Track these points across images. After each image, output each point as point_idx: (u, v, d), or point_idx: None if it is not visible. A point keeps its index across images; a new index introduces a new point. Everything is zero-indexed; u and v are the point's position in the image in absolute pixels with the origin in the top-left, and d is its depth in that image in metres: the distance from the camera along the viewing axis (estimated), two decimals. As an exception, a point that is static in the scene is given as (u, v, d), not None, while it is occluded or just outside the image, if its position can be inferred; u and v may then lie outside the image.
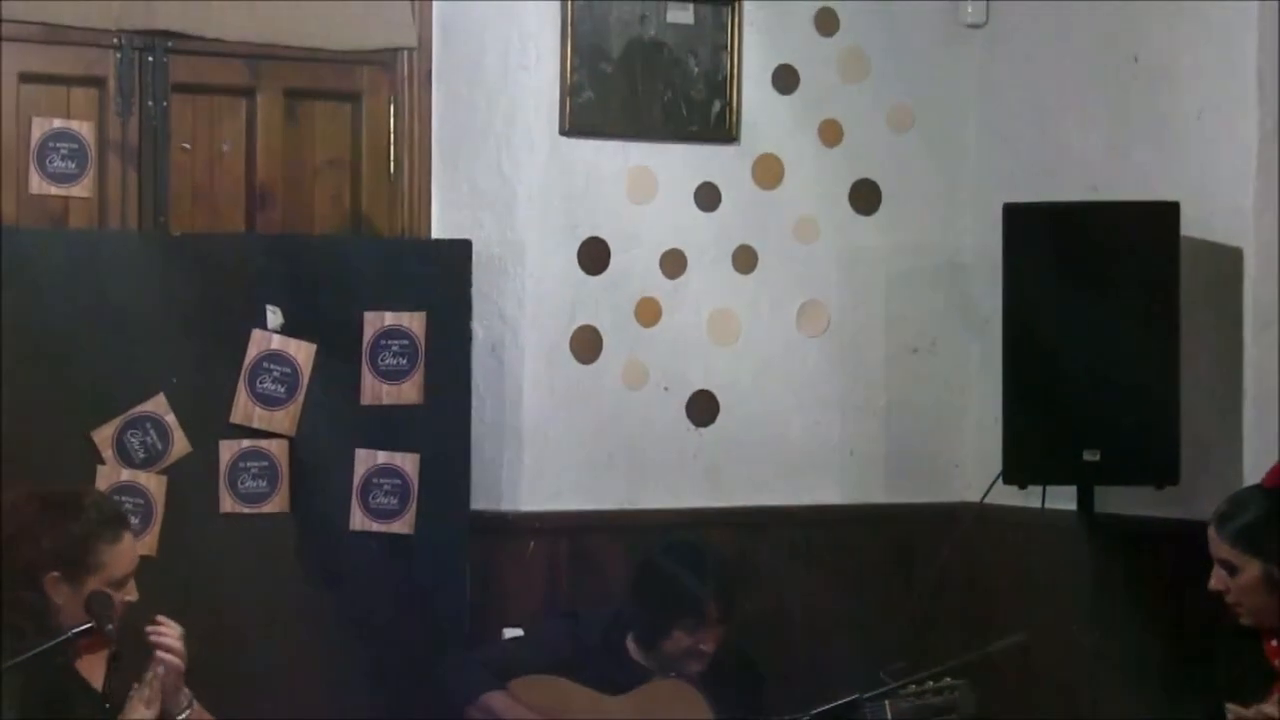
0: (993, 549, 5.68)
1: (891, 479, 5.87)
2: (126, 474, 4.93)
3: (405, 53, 5.56)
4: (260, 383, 5.07)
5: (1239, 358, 5.13)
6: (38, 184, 5.16)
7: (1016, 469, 5.13)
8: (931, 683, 4.48)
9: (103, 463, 4.90)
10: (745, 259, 5.72)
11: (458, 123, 5.56)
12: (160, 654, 4.16)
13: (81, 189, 5.20)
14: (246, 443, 5.06)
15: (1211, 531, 4.27)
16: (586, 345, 5.54)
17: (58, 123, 5.19)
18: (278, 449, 5.09)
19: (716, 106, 5.68)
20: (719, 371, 5.69)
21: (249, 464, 5.06)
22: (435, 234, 5.55)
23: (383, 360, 5.21)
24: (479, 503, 5.34)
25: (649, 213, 5.61)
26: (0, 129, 5.10)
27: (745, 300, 5.72)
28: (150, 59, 5.27)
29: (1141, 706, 4.96)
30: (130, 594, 4.22)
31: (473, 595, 5.30)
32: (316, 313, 5.14)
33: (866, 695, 4.36)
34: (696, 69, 5.65)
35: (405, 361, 5.22)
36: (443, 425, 5.25)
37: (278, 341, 5.10)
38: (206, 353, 5.02)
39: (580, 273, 5.54)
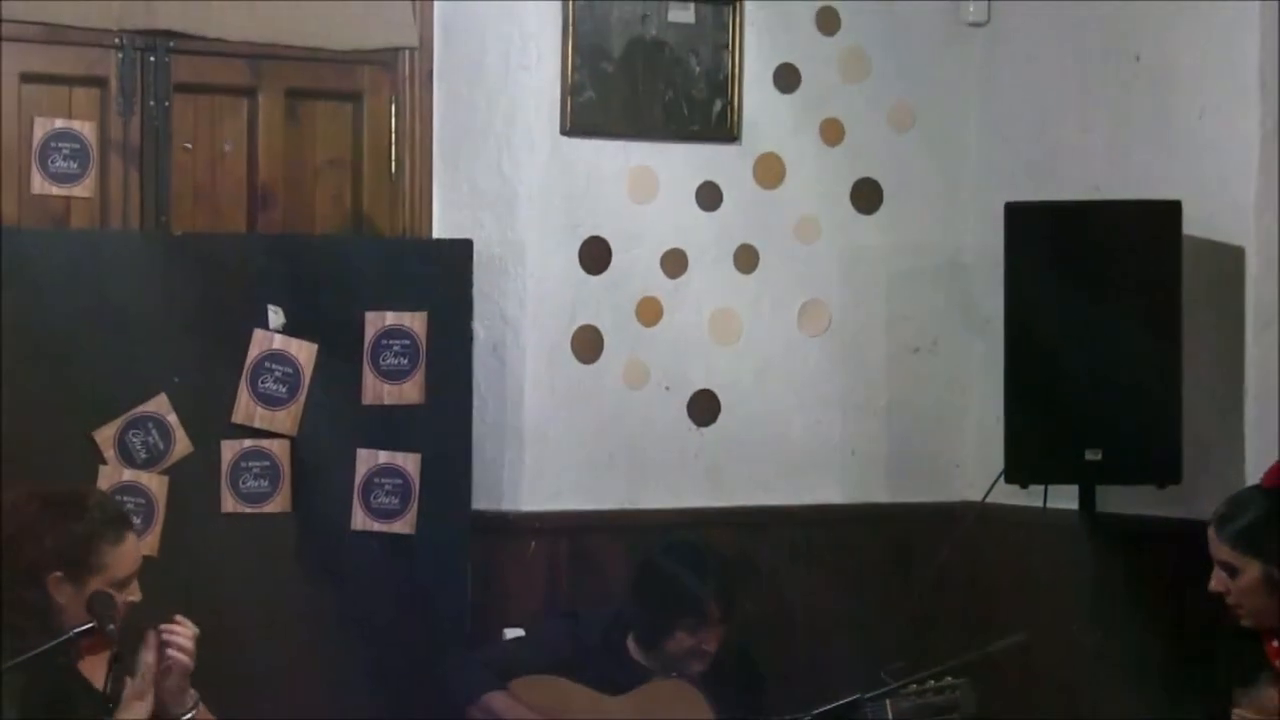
0: (994, 548, 5.68)
1: (892, 478, 5.87)
2: (128, 474, 4.93)
3: (406, 52, 5.56)
4: (262, 382, 5.07)
5: (1240, 357, 5.13)
6: (39, 184, 5.16)
7: (1018, 468, 5.13)
8: (932, 682, 4.48)
9: (104, 463, 4.91)
10: (746, 258, 5.72)
11: (459, 122, 5.56)
12: (170, 652, 4.17)
13: (83, 189, 5.21)
14: (248, 442, 5.07)
15: (1211, 533, 4.27)
16: (587, 345, 5.54)
17: (59, 123, 5.19)
18: (279, 449, 5.10)
19: (718, 106, 5.68)
20: (720, 371, 5.70)
21: (250, 464, 5.06)
22: (436, 234, 5.55)
23: (384, 360, 5.21)
24: (480, 503, 5.34)
25: (650, 212, 5.61)
26: (1, 129, 5.10)
27: (746, 300, 5.72)
28: (152, 59, 5.27)
29: (1142, 706, 4.96)
30: (133, 594, 4.22)
31: (473, 595, 5.31)
32: (318, 313, 5.14)
33: (867, 695, 4.35)
34: (698, 68, 5.65)
35: (406, 361, 5.22)
36: (444, 425, 5.26)
37: (279, 341, 5.10)
38: (208, 353, 5.02)
39: (581, 272, 5.54)
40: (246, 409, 5.06)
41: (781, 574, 5.71)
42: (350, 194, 5.54)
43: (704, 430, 5.68)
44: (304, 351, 5.12)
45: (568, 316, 5.53)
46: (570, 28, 5.48)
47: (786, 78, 5.75)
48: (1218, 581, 4.27)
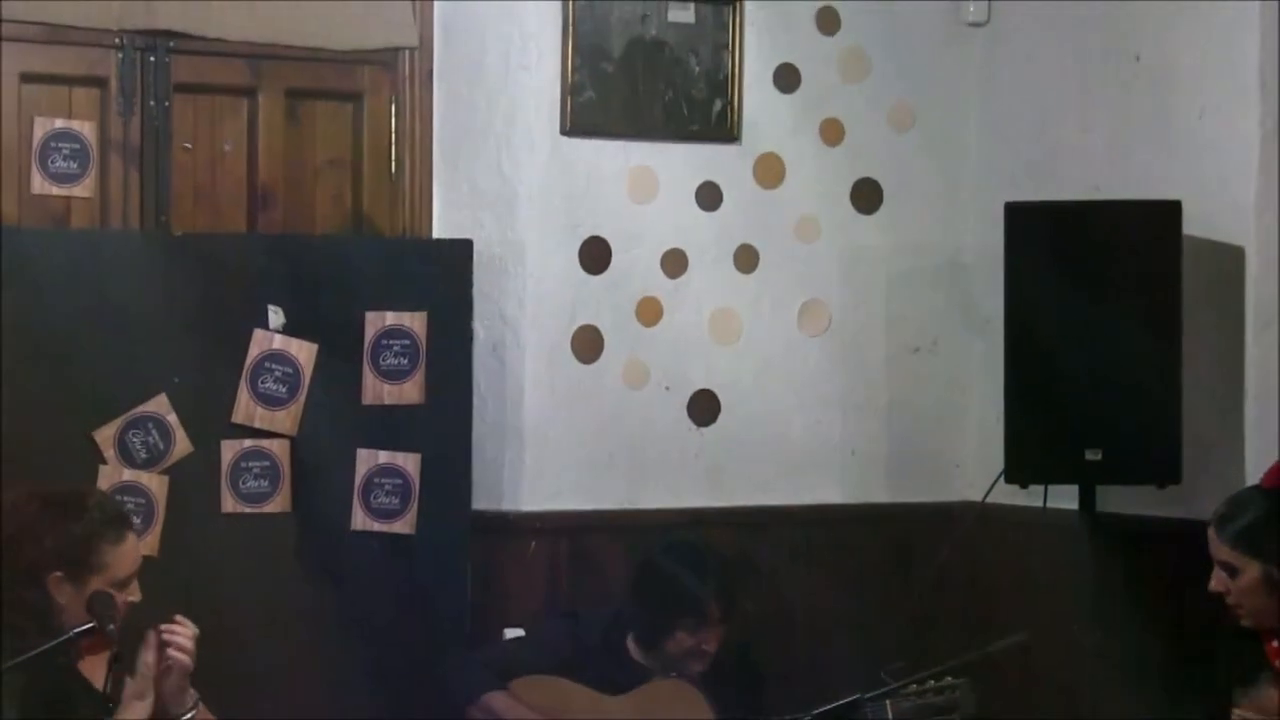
0: (994, 548, 5.68)
1: (892, 478, 5.87)
2: (128, 474, 4.93)
3: (406, 52, 5.56)
4: (262, 382, 5.07)
5: (1240, 357, 5.13)
6: (39, 184, 5.16)
7: (1018, 468, 5.13)
8: (932, 682, 4.48)
9: (104, 463, 4.91)
10: (746, 258, 5.72)
11: (459, 122, 5.56)
12: (170, 652, 4.17)
13: (83, 189, 5.21)
14: (248, 442, 5.07)
15: (1211, 533, 4.27)
16: (587, 345, 5.54)
17: (59, 123, 5.19)
18: (279, 449, 5.10)
19: (718, 106, 5.68)
20: (720, 371, 5.70)
21: (250, 464, 5.06)
22: (436, 234, 5.55)
23: (384, 360, 5.21)
24: (480, 503, 5.34)
25: (650, 212, 5.61)
26: (1, 129, 5.10)
27: (746, 299, 5.72)
28: (152, 59, 5.27)
29: (1142, 706, 4.96)
30: (133, 594, 4.22)
31: (474, 595, 5.30)
32: (318, 312, 5.14)
33: (868, 695, 4.35)
34: (697, 68, 5.65)
35: (406, 361, 5.22)
36: (444, 425, 5.26)
37: (279, 341, 5.10)
38: (208, 353, 5.02)
39: (581, 272, 5.54)
40: (246, 409, 5.06)
41: (781, 574, 5.71)
42: (350, 194, 5.54)
43: (704, 430, 5.68)
44: (304, 351, 5.12)
45: (568, 316, 5.53)
46: (570, 28, 5.48)
47: (786, 78, 5.75)
48: (1218, 581, 4.27)
